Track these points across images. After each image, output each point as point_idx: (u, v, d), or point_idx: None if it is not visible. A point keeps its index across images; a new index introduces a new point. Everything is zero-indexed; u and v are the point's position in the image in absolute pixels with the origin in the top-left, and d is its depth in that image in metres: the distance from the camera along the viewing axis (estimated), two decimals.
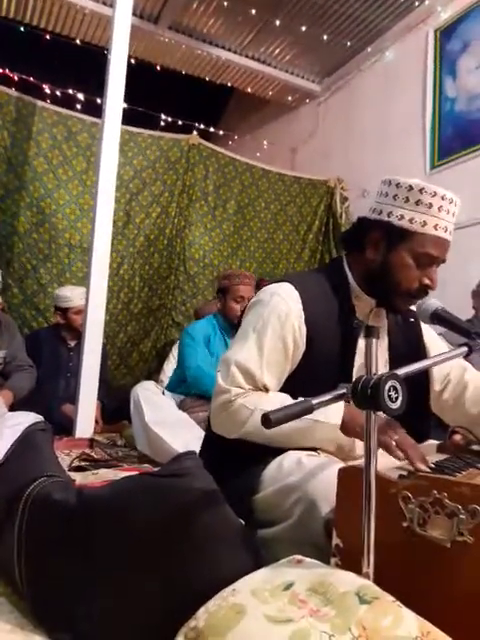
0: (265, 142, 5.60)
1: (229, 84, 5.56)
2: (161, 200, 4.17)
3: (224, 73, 5.36)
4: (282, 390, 1.24)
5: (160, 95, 4.71)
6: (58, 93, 4.17)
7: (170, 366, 3.53)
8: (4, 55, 3.92)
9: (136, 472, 1.21)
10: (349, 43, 4.73)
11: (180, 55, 5.09)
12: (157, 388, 2.80)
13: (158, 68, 5.13)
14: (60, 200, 3.83)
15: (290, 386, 1.24)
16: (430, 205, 1.21)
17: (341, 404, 1.13)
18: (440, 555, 0.81)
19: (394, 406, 0.77)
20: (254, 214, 4.56)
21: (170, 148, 4.19)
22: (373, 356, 0.83)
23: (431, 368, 1.34)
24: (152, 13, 4.63)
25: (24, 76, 4.01)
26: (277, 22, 4.53)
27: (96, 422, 2.85)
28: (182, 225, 4.28)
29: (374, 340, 0.84)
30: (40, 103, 3.78)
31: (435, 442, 1.27)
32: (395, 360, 1.32)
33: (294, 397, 1.12)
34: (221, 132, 5.27)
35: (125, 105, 3.05)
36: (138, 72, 3.76)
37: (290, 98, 5.60)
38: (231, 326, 2.75)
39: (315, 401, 0.80)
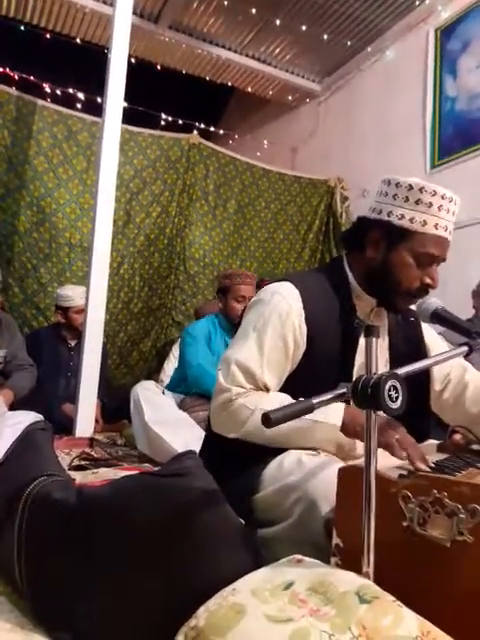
0: (265, 142, 5.59)
1: (229, 83, 5.55)
2: (161, 199, 4.17)
3: (224, 72, 5.36)
4: (282, 389, 1.24)
5: (160, 94, 4.70)
6: (58, 92, 4.16)
7: (170, 365, 3.53)
8: (4, 54, 3.91)
9: (136, 471, 1.21)
10: (349, 43, 4.73)
11: (180, 54, 5.08)
12: (157, 387, 2.80)
13: (158, 67, 5.12)
14: (60, 199, 3.83)
15: (290, 385, 1.24)
16: (430, 204, 1.21)
17: (341, 404, 1.13)
18: (440, 555, 0.81)
19: (394, 406, 0.77)
20: (254, 213, 4.56)
21: (170, 147, 4.19)
22: (373, 355, 0.83)
23: (431, 368, 1.33)
24: (152, 12, 4.62)
25: (24, 75, 4.01)
26: (277, 21, 4.53)
27: (96, 421, 2.86)
28: (182, 224, 4.27)
29: (374, 339, 0.84)
30: (40, 102, 3.78)
31: (435, 442, 1.27)
32: (395, 360, 1.32)
33: (294, 396, 1.12)
34: (221, 131, 5.26)
35: (125, 104, 3.05)
36: (138, 71, 3.76)
37: (290, 98, 5.59)
38: (232, 326, 2.75)
39: (315, 400, 0.80)
